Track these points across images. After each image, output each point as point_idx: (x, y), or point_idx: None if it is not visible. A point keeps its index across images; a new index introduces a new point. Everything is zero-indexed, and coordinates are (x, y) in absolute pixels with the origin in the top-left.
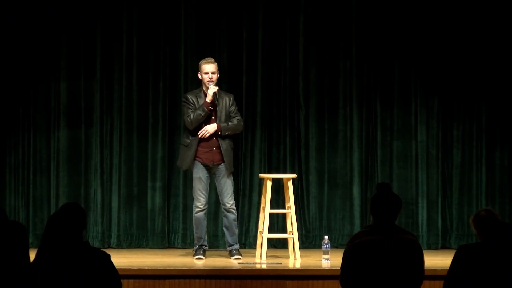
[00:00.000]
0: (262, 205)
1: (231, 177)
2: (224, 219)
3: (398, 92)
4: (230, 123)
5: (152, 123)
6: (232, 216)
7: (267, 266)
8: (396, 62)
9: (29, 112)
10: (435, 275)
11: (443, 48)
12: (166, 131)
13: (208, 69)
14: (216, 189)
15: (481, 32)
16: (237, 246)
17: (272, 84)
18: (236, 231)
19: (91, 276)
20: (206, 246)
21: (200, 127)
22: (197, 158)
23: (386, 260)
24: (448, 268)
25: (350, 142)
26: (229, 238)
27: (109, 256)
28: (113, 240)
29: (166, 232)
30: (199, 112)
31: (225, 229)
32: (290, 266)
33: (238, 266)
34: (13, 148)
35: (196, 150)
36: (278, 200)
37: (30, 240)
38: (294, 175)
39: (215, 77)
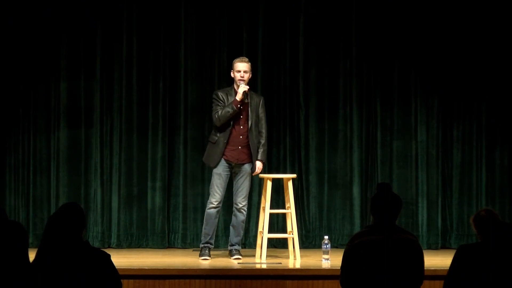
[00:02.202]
0: (262, 205)
1: (250, 179)
2: (233, 218)
3: (398, 92)
4: (263, 146)
5: (152, 123)
6: (242, 217)
7: (267, 266)
8: (396, 62)
9: (29, 112)
10: (435, 275)
11: (443, 48)
12: (166, 131)
13: (241, 68)
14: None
15: (481, 32)
16: (238, 247)
17: (272, 84)
18: (242, 232)
19: (91, 276)
20: (211, 244)
21: (228, 124)
22: (224, 157)
23: (386, 260)
24: (448, 268)
25: (350, 142)
26: (233, 238)
27: (109, 256)
28: (113, 240)
29: (166, 232)
30: (227, 109)
31: (231, 228)
32: (290, 266)
33: (238, 266)
34: (13, 148)
35: (225, 148)
36: (278, 200)
37: (30, 240)
38: (294, 175)
39: (246, 76)
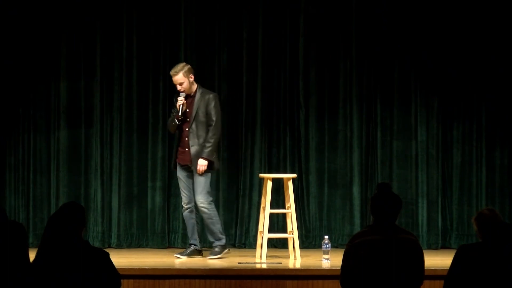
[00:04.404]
0: (262, 205)
1: (205, 175)
2: (202, 217)
3: (398, 92)
4: (207, 144)
5: (152, 123)
6: (204, 214)
7: (267, 266)
8: (396, 62)
9: (29, 112)
10: (435, 275)
11: (443, 48)
12: (166, 131)
13: (175, 82)
14: (214, 189)
15: (481, 32)
16: (217, 243)
17: (272, 84)
18: (215, 228)
19: (91, 275)
20: (195, 245)
21: (179, 128)
22: (177, 159)
23: (387, 260)
24: (448, 268)
25: (350, 142)
26: (209, 237)
27: (107, 254)
28: (113, 240)
29: (166, 232)
30: (170, 120)
31: (205, 227)
32: (290, 266)
33: (238, 266)
34: (13, 148)
35: (177, 152)
36: (278, 200)
37: (30, 240)
38: (294, 175)
39: (184, 86)
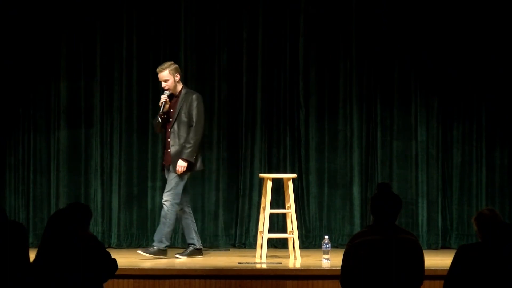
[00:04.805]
0: (262, 205)
1: (178, 176)
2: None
3: (398, 92)
4: (188, 145)
5: (152, 123)
6: (162, 212)
7: (267, 266)
8: (396, 62)
9: (29, 112)
10: (435, 275)
11: (443, 48)
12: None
13: (160, 78)
14: (214, 189)
15: (481, 32)
16: (157, 244)
17: (272, 84)
18: (163, 229)
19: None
20: (194, 244)
21: (164, 128)
22: (163, 161)
23: (387, 260)
24: (448, 268)
25: (350, 142)
26: (155, 234)
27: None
28: (113, 240)
29: None
30: (155, 119)
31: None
32: (290, 266)
33: (239, 266)
34: (13, 148)
35: (163, 152)
36: (278, 200)
37: (30, 240)
38: (294, 175)
39: (169, 84)
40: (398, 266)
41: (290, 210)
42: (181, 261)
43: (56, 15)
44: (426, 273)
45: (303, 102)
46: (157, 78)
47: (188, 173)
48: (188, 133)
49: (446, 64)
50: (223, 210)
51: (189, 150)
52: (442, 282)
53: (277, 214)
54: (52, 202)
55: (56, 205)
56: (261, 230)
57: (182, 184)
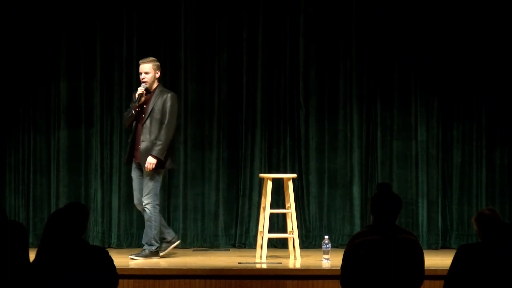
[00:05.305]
0: (262, 205)
1: (153, 177)
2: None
3: (398, 92)
4: (158, 142)
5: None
6: (146, 215)
7: (267, 266)
8: (396, 62)
9: (29, 112)
10: (435, 275)
11: (443, 48)
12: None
13: (141, 69)
14: (214, 189)
15: (481, 32)
16: (148, 247)
17: (272, 84)
18: (150, 232)
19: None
20: (165, 238)
21: (135, 126)
22: (133, 158)
23: (387, 260)
24: (448, 268)
25: (350, 142)
26: (143, 238)
27: (107, 252)
28: (113, 240)
29: None
30: (127, 112)
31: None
32: (290, 266)
33: (239, 266)
34: (13, 148)
35: (133, 150)
36: (278, 200)
37: (30, 240)
38: (294, 175)
39: (149, 77)
40: (398, 266)
41: (290, 210)
42: (181, 261)
43: (56, 15)
44: (426, 273)
45: (303, 102)
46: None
47: (162, 173)
48: (159, 130)
49: (446, 64)
50: (223, 210)
51: (159, 147)
52: (442, 282)
53: (277, 214)
54: (52, 202)
55: (56, 205)
56: (261, 230)
57: (158, 184)
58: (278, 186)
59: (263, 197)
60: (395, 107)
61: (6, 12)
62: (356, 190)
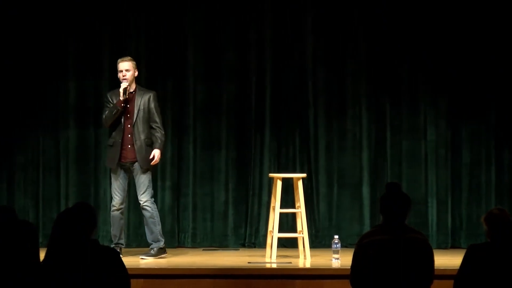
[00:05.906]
0: (272, 204)
1: (148, 174)
2: (143, 216)
3: (407, 92)
4: (163, 137)
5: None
6: (147, 213)
7: (277, 266)
8: (404, 62)
9: (38, 112)
10: (444, 275)
11: (452, 48)
12: (175, 130)
13: (121, 67)
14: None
15: (490, 32)
16: (156, 244)
17: (281, 83)
18: (155, 228)
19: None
20: (122, 244)
21: (120, 125)
22: (120, 157)
23: (396, 259)
24: (458, 268)
25: (359, 141)
26: (148, 236)
27: (118, 253)
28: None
29: (176, 231)
30: (112, 109)
31: (145, 227)
32: (300, 265)
33: (248, 266)
34: (22, 148)
35: (121, 149)
36: (287, 199)
37: (40, 240)
38: (304, 175)
39: (129, 74)
40: (408, 266)
41: (300, 210)
42: (190, 260)
43: (64, 15)
44: (435, 273)
45: (312, 101)
46: (164, 77)
47: (152, 168)
48: (148, 129)
49: (455, 63)
50: (233, 210)
51: (162, 143)
52: (451, 281)
53: (287, 213)
54: (61, 202)
55: (65, 205)
56: (271, 229)
57: (151, 180)
58: (288, 186)
59: (272, 196)
60: (404, 107)
61: (13, 12)
62: (365, 190)
